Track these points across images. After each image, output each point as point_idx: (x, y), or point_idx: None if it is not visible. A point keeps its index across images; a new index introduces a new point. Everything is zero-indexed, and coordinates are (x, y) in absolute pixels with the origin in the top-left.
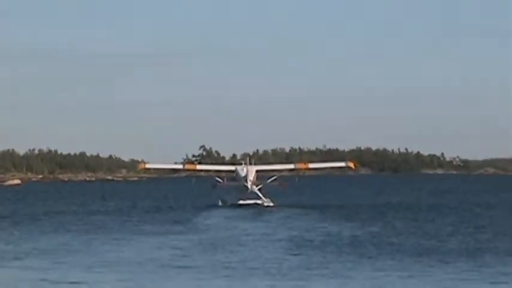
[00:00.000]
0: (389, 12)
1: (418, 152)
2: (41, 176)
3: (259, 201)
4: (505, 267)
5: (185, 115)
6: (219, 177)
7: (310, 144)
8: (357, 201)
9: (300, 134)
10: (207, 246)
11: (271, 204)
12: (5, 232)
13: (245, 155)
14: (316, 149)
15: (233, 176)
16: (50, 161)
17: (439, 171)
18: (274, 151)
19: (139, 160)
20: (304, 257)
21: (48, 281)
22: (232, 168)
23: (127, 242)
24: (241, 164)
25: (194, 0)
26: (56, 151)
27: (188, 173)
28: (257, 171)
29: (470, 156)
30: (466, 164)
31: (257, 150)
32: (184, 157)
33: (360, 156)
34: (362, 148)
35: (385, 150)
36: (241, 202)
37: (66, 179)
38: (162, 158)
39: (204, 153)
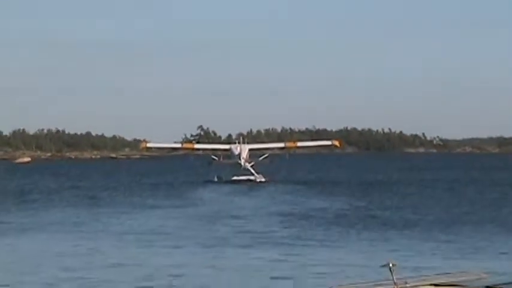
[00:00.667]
0: None
1: (401, 132)
2: (49, 154)
3: (252, 177)
4: (483, 236)
5: (184, 97)
6: (215, 155)
7: (300, 124)
8: (344, 178)
9: (291, 115)
10: (203, 218)
11: (263, 179)
12: (16, 207)
13: (239, 135)
14: (306, 129)
15: (228, 154)
16: (57, 140)
17: (421, 149)
18: (267, 131)
19: (142, 139)
20: (294, 229)
21: (58, 253)
22: (227, 147)
23: (131, 215)
24: (235, 143)
25: None
26: (63, 131)
27: (187, 151)
28: (250, 149)
29: (449, 136)
30: (445, 143)
31: (251, 130)
32: (183, 137)
33: (346, 136)
34: (349, 128)
35: (370, 130)
36: (235, 178)
37: (73, 157)
38: (163, 138)
39: (202, 133)
